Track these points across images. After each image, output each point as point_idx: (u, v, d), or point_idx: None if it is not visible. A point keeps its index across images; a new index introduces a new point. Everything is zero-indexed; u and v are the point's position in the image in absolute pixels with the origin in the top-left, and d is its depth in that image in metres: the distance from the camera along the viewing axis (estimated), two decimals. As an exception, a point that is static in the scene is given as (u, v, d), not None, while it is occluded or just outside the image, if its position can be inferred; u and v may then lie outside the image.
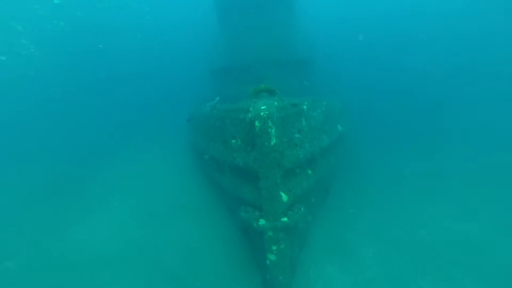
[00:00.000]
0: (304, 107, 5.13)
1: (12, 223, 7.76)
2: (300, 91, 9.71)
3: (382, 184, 8.51)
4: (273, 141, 3.88)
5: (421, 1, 18.15)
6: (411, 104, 13.61)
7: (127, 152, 11.41)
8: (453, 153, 10.02)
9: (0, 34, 16.50)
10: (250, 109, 4.19)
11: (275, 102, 4.23)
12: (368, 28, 17.13)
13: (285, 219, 4.14)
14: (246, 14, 10.22)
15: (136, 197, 8.32)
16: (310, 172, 5.24)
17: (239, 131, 4.66)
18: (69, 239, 6.90)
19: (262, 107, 3.96)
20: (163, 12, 21.13)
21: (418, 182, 8.49)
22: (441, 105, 13.26)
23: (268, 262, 4.21)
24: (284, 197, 4.22)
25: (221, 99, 7.33)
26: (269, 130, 3.83)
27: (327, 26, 15.80)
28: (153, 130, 12.63)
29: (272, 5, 10.25)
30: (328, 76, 11.26)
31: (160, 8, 21.19)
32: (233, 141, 4.85)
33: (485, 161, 9.00)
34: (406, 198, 7.65)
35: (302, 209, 4.41)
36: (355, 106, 11.17)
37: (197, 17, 16.21)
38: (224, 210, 6.80)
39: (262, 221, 4.12)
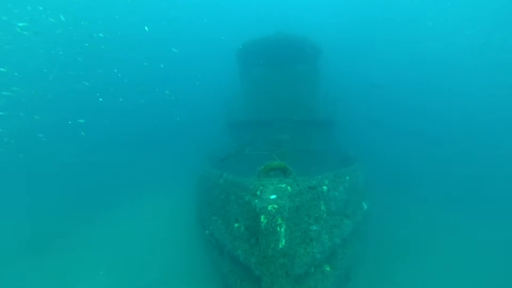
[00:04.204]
0: (324, 187, 4.32)
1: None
2: (319, 153, 9.03)
3: (414, 268, 7.05)
4: (282, 244, 3.03)
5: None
6: (446, 174, 12.30)
7: (123, 207, 10.81)
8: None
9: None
10: (258, 193, 3.46)
11: (289, 187, 3.48)
12: (397, 89, 16.73)
13: None
14: (267, 69, 10.05)
15: (122, 262, 7.35)
16: (328, 268, 4.21)
17: (243, 215, 3.87)
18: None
19: (272, 197, 3.21)
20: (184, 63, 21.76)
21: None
22: (483, 178, 11.83)
23: None
24: (293, 314, 3.22)
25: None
26: (278, 228, 3.02)
27: (351, 86, 15.53)
28: (160, 185, 12.03)
29: (295, 62, 10.09)
30: (351, 139, 10.52)
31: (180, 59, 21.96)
32: (236, 225, 4.04)
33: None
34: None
35: None
36: (380, 173, 10.11)
37: (218, 69, 16.57)
38: None
39: None
